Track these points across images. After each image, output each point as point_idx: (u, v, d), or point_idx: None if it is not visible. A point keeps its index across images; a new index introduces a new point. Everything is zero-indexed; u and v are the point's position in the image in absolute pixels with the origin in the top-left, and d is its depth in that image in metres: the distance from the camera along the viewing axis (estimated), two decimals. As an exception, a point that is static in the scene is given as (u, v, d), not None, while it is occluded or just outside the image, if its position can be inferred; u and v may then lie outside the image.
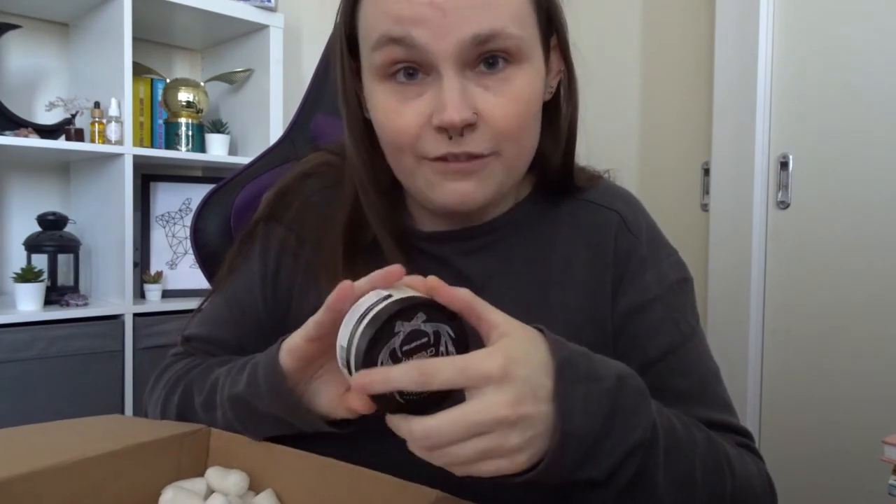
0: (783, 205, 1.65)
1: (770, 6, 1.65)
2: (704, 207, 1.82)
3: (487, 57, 0.56)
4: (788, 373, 1.65)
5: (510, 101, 0.57)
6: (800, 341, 1.62)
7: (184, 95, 2.11)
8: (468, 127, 0.56)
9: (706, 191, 1.81)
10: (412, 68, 0.56)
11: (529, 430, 0.42)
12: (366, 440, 0.63)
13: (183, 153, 2.07)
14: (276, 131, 2.12)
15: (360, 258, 0.65)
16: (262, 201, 0.74)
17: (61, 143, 1.84)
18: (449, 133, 0.56)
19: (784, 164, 1.64)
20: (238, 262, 0.73)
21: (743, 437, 0.63)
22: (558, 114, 0.65)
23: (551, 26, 0.61)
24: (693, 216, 1.85)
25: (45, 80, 2.06)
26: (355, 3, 0.60)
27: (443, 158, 0.57)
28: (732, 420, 0.64)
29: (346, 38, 0.62)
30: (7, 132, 1.77)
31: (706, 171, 1.81)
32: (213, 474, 0.57)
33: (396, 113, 0.58)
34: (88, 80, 1.99)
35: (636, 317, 0.64)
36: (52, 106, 1.91)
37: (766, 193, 1.67)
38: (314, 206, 0.70)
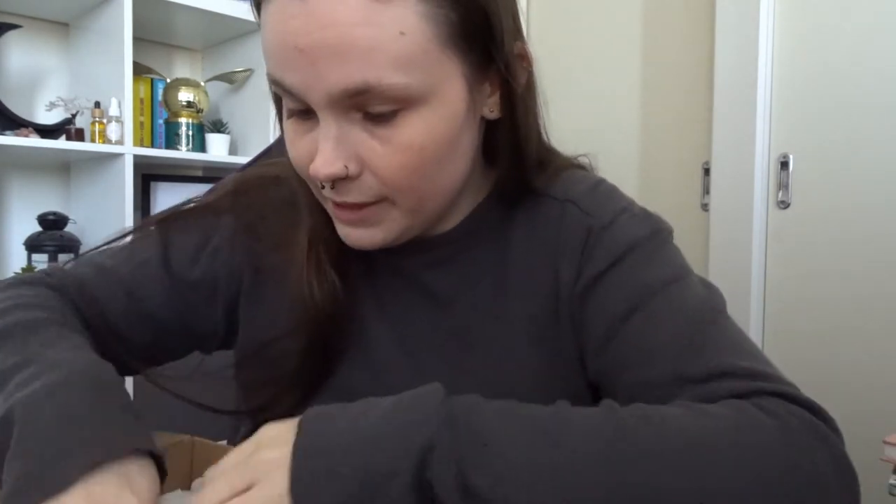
0: (783, 205, 1.65)
1: (770, 6, 1.65)
2: (704, 207, 1.82)
3: (369, 104, 0.49)
4: (788, 372, 1.63)
5: (398, 150, 0.50)
6: (800, 341, 1.62)
7: (184, 95, 2.11)
8: (343, 180, 0.51)
9: (706, 191, 1.81)
10: (299, 105, 0.51)
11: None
12: None
13: (183, 153, 2.07)
14: (276, 131, 2.12)
15: (328, 261, 0.61)
16: (220, 187, 0.68)
17: (61, 143, 1.84)
18: (321, 183, 0.51)
19: (784, 164, 1.64)
20: (169, 233, 0.65)
21: (751, 380, 0.49)
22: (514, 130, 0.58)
23: (494, 45, 0.53)
24: (693, 216, 1.85)
25: (46, 80, 2.06)
26: (259, 16, 0.53)
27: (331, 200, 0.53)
28: (735, 362, 0.50)
29: None
30: (7, 132, 1.77)
31: (706, 171, 1.80)
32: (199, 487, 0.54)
33: (293, 143, 0.54)
34: (89, 80, 1.99)
35: (591, 290, 0.58)
36: (52, 106, 1.91)
37: (766, 193, 1.67)
38: (276, 210, 0.65)
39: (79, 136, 1.89)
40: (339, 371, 0.62)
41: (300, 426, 0.44)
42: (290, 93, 0.50)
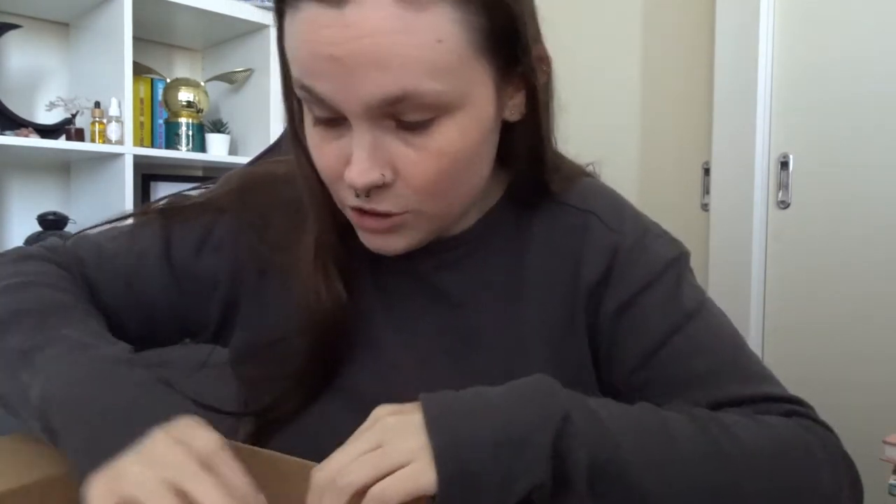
0: (783, 204, 1.65)
1: (770, 6, 1.65)
2: (704, 207, 1.82)
3: (404, 112, 0.49)
4: (788, 371, 1.64)
5: (433, 157, 0.50)
6: (800, 340, 1.62)
7: (184, 95, 2.12)
8: (378, 188, 0.51)
9: (706, 191, 1.81)
10: (329, 112, 0.50)
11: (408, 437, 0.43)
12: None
13: (183, 153, 2.07)
14: (276, 131, 2.12)
15: (333, 262, 0.60)
16: (225, 183, 0.67)
17: (61, 143, 1.84)
18: (356, 192, 0.51)
19: (784, 164, 1.64)
20: (171, 224, 0.64)
21: (791, 404, 0.55)
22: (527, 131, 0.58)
23: (517, 49, 0.53)
24: (693, 216, 1.85)
25: (46, 80, 2.06)
26: (281, 21, 0.52)
27: (357, 208, 0.53)
28: (772, 389, 0.56)
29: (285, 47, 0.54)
30: (7, 132, 1.77)
31: (706, 171, 1.80)
32: None
33: (319, 150, 0.53)
34: (89, 80, 1.99)
35: (628, 310, 0.59)
36: (52, 106, 1.91)
37: (766, 193, 1.67)
38: (282, 210, 0.64)
39: (79, 136, 1.89)
40: (345, 372, 0.61)
41: (419, 400, 0.45)
42: (320, 100, 0.49)
